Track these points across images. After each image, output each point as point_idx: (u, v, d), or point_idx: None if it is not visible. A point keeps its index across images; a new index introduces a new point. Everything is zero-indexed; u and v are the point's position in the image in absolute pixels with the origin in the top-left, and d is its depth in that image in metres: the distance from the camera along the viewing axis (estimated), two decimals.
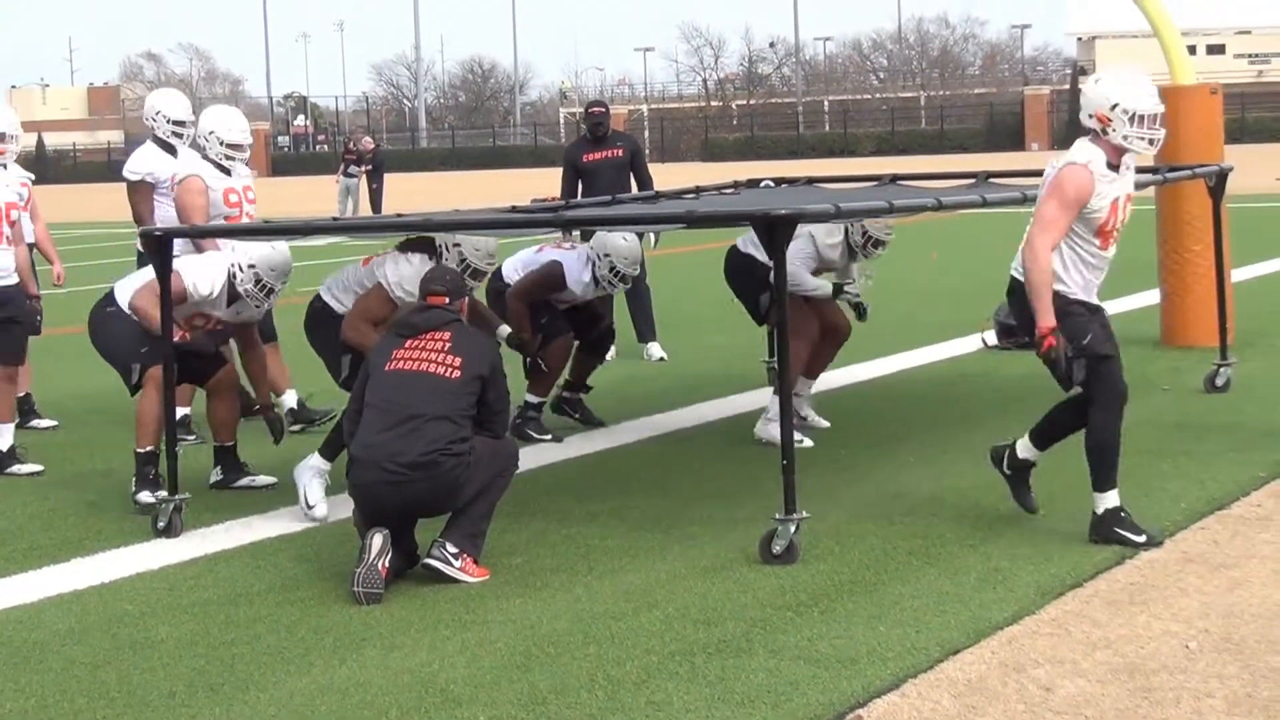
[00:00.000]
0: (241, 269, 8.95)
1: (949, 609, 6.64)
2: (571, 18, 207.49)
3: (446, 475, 7.18)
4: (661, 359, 14.13)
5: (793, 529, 7.38)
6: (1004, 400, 11.54)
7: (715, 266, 11.44)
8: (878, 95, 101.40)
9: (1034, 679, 5.83)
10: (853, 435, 10.46)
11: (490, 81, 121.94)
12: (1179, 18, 14.82)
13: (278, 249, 8.99)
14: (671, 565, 7.47)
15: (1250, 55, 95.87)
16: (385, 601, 6.99)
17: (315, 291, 9.46)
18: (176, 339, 8.74)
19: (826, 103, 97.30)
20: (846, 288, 10.38)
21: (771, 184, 12.36)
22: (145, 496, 8.82)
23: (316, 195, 45.26)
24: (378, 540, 7.06)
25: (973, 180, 11.77)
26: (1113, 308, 9.28)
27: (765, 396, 11.26)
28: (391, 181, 41.14)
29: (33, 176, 11.10)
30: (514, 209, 10.56)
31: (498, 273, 10.36)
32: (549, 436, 10.52)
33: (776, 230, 7.44)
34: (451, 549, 7.26)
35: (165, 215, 10.95)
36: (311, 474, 8.51)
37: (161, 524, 8.33)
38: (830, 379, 10.71)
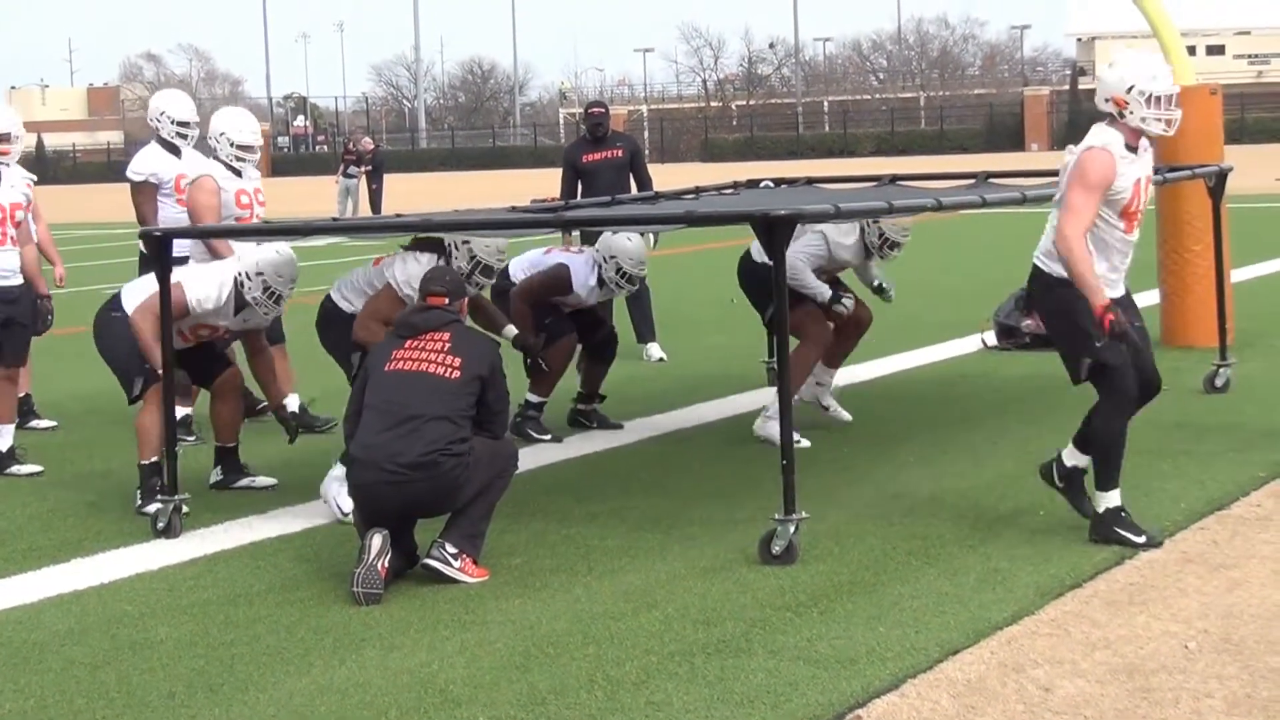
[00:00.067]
0: (249, 277, 8.88)
1: (948, 609, 6.64)
2: (571, 18, 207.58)
3: (446, 476, 7.18)
4: (661, 359, 14.13)
5: (792, 529, 7.38)
6: (1004, 400, 11.54)
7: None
8: (877, 96, 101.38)
9: (1033, 679, 5.83)
10: (853, 435, 10.46)
11: (490, 82, 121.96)
12: (1178, 18, 14.82)
13: (283, 254, 8.94)
14: (671, 565, 7.47)
15: (1250, 56, 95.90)
16: (385, 602, 6.99)
17: (321, 292, 9.45)
18: (180, 344, 8.76)
19: (826, 103, 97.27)
20: (843, 300, 10.31)
21: (771, 184, 12.36)
22: (152, 509, 8.72)
23: (316, 196, 45.26)
24: (377, 540, 7.06)
25: (972, 181, 11.77)
26: None
27: (764, 397, 11.27)
28: (391, 182, 41.13)
29: (35, 178, 11.08)
30: (513, 209, 10.57)
31: (504, 272, 10.36)
32: (548, 436, 10.53)
33: (776, 230, 7.45)
34: (451, 549, 7.26)
35: (168, 216, 10.96)
36: (339, 485, 8.43)
37: (161, 525, 8.32)
38: (843, 376, 10.71)
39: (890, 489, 8.83)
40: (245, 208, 10.62)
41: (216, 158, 10.62)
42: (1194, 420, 10.37)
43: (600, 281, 10.54)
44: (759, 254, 10.46)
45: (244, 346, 9.53)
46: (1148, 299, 15.20)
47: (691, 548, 7.76)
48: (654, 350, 14.26)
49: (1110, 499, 7.56)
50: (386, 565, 7.06)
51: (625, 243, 10.44)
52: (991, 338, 13.93)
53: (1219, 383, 11.42)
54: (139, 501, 8.87)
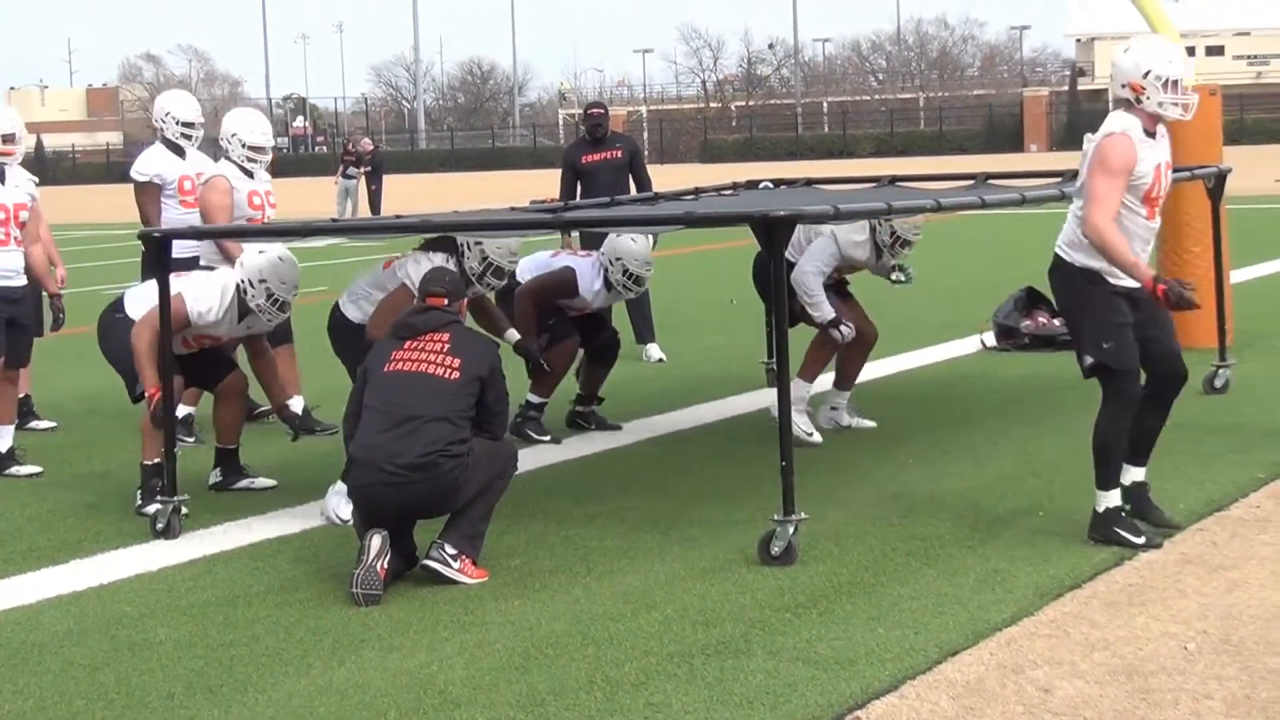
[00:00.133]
0: (252, 285, 8.86)
1: (947, 610, 6.64)
2: (571, 19, 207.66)
3: (445, 476, 7.18)
4: (660, 360, 14.12)
5: (791, 530, 7.38)
6: (1003, 401, 11.54)
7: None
8: (876, 96, 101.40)
9: (1032, 680, 5.83)
10: (853, 435, 10.46)
11: (489, 83, 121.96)
12: (1178, 19, 14.84)
13: (286, 260, 8.91)
14: (670, 566, 7.47)
15: (1249, 57, 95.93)
16: (384, 603, 6.99)
17: (321, 292, 9.43)
18: (183, 348, 8.76)
19: (825, 104, 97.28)
20: (842, 328, 10.26)
21: (770, 185, 12.36)
22: (151, 509, 8.72)
23: (315, 196, 45.22)
24: (376, 541, 7.07)
25: (971, 181, 11.77)
26: None
27: (764, 397, 11.28)
28: (390, 183, 41.12)
29: (36, 179, 11.09)
30: (513, 210, 10.56)
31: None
32: (548, 437, 10.53)
33: (775, 231, 7.46)
34: (450, 550, 7.26)
35: (172, 217, 10.96)
36: (338, 498, 8.41)
37: (160, 525, 8.32)
38: (830, 379, 10.71)
39: (890, 489, 8.83)
40: (257, 209, 10.64)
41: (228, 158, 10.64)
42: (1193, 421, 10.35)
43: (607, 285, 10.54)
44: None
45: (245, 349, 9.52)
46: None
47: (691, 549, 7.76)
48: (653, 351, 14.25)
49: (1110, 498, 7.56)
50: (386, 566, 7.05)
51: (631, 244, 10.44)
52: (991, 338, 13.93)
53: (1218, 383, 11.42)
54: (139, 502, 8.87)
